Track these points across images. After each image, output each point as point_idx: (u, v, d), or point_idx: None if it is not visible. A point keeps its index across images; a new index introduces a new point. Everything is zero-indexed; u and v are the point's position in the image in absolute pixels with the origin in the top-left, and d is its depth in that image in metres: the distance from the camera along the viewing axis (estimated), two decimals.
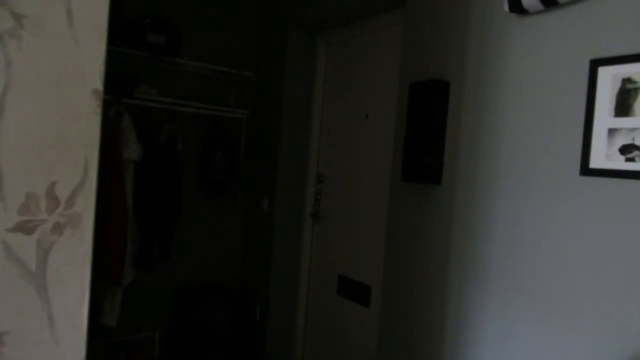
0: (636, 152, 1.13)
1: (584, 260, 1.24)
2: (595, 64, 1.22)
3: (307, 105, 2.90)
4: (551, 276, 1.31)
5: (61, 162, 0.90)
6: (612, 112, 1.18)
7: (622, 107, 1.16)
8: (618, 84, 1.17)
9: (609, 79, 1.19)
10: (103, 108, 0.98)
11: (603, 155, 1.19)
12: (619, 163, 1.16)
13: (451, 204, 1.60)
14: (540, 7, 1.32)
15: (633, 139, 1.14)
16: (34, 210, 0.87)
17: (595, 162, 1.21)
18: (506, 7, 1.39)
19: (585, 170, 1.23)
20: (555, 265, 1.30)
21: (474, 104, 1.54)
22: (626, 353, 1.14)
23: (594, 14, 1.24)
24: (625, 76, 1.16)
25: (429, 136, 1.62)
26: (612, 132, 1.18)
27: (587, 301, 1.23)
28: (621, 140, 1.16)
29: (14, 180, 0.86)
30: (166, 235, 2.53)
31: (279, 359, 2.91)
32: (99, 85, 0.94)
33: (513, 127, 1.42)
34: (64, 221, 0.90)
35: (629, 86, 1.15)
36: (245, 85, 3.04)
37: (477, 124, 1.53)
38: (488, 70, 1.50)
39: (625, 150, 1.15)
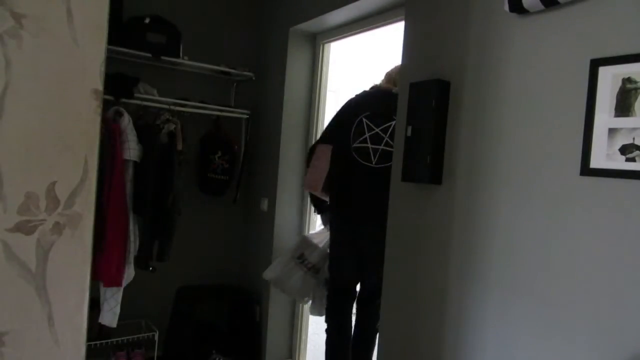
0: (636, 152, 1.13)
1: (584, 260, 1.24)
2: (595, 64, 1.22)
3: (307, 105, 2.90)
4: (551, 276, 1.31)
5: (61, 162, 0.90)
6: (613, 112, 1.18)
7: (623, 107, 1.16)
8: (618, 84, 1.17)
9: (609, 79, 1.19)
10: (103, 108, 0.97)
11: (603, 155, 1.19)
12: (619, 163, 1.16)
13: (451, 204, 1.60)
14: (541, 6, 1.32)
15: (633, 138, 1.14)
16: (34, 210, 0.87)
17: (595, 162, 1.21)
18: (506, 7, 1.39)
19: (586, 170, 1.23)
20: (555, 266, 1.30)
21: (474, 104, 1.54)
22: (627, 353, 1.14)
23: (594, 14, 1.24)
24: (626, 76, 1.16)
25: (429, 136, 1.62)
26: (612, 132, 1.18)
27: (587, 301, 1.23)
28: (621, 140, 1.16)
29: (14, 180, 0.86)
30: (166, 235, 2.52)
31: (279, 359, 2.91)
32: (99, 85, 0.94)
33: (513, 127, 1.42)
34: (63, 221, 0.90)
35: (629, 86, 1.15)
36: (245, 85, 3.04)
37: (477, 123, 1.53)
38: (488, 70, 1.50)
39: (625, 150, 1.15)
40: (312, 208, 2.70)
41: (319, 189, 2.39)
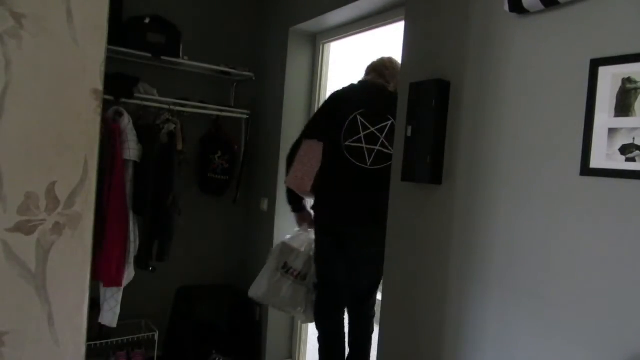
0: (636, 152, 1.13)
1: (584, 260, 1.24)
2: (595, 64, 1.22)
3: (307, 105, 2.90)
4: (551, 276, 1.31)
5: (61, 162, 0.90)
6: (613, 112, 1.18)
7: (623, 107, 1.16)
8: (618, 84, 1.17)
9: (609, 79, 1.19)
10: (103, 108, 0.97)
11: (603, 155, 1.19)
12: (619, 163, 1.16)
13: (451, 204, 1.60)
14: (541, 6, 1.32)
15: (633, 138, 1.14)
16: (34, 210, 0.87)
17: (595, 162, 1.21)
18: (506, 7, 1.39)
19: (586, 170, 1.23)
20: (555, 266, 1.30)
21: (474, 104, 1.54)
22: (627, 353, 1.14)
23: (594, 14, 1.24)
24: (626, 76, 1.16)
25: (429, 136, 1.62)
26: (612, 131, 1.18)
27: (587, 301, 1.23)
28: (621, 140, 1.16)
29: (14, 180, 0.86)
30: (166, 235, 2.53)
31: (279, 359, 2.91)
32: (99, 85, 0.94)
33: (513, 127, 1.42)
34: (63, 221, 0.90)
35: (629, 86, 1.15)
36: (245, 85, 3.04)
37: (477, 123, 1.53)
38: (488, 70, 1.50)
39: (625, 150, 1.15)
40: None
41: (308, 189, 2.22)
